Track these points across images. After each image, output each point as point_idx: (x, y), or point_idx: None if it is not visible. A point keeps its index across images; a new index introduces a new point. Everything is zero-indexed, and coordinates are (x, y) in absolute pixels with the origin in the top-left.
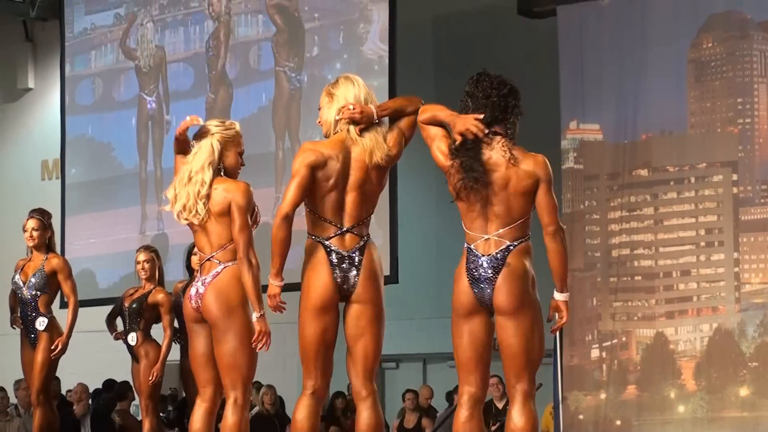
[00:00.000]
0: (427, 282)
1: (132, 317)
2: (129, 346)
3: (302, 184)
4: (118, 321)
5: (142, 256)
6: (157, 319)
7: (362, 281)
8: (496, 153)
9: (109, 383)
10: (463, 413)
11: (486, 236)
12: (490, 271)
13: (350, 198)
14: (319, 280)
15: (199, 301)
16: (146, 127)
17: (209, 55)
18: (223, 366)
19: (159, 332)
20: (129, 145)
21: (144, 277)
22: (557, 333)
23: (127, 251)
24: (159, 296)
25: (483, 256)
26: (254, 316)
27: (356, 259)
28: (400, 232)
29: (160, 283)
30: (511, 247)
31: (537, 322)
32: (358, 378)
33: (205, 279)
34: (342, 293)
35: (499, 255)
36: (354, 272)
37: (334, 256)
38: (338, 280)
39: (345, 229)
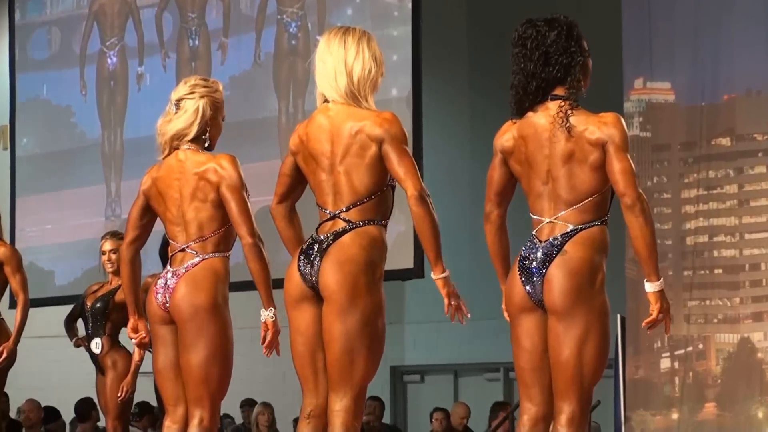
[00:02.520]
0: (459, 276)
1: (96, 319)
2: (92, 355)
3: None
4: (80, 324)
5: (108, 245)
6: (127, 322)
7: (323, 268)
8: (554, 121)
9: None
10: None
11: (547, 219)
12: (542, 261)
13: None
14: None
15: (168, 296)
16: (108, 89)
17: None
18: (190, 379)
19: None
20: (93, 110)
21: (110, 270)
22: (618, 339)
23: (90, 239)
24: None
25: (540, 243)
26: (264, 314)
27: (325, 244)
28: None
29: None
30: (573, 233)
31: (595, 329)
32: (329, 390)
33: (177, 270)
34: (310, 285)
35: (556, 241)
36: (318, 259)
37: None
38: (301, 268)
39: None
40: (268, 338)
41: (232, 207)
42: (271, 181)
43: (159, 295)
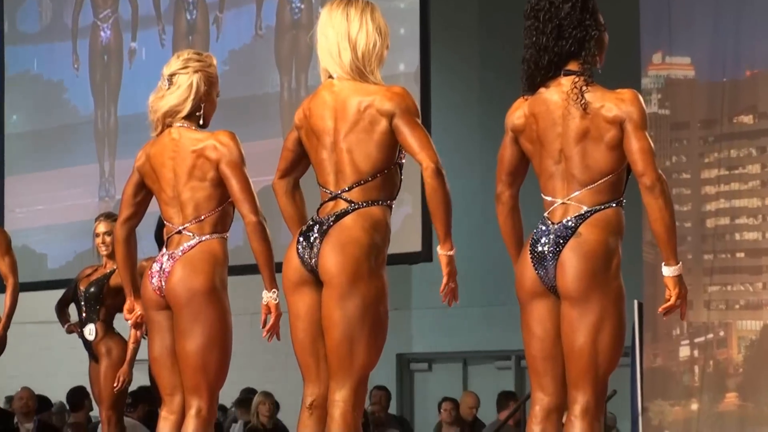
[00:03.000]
0: (469, 261)
1: (89, 304)
2: (86, 342)
3: None
4: (72, 310)
5: (102, 227)
6: (122, 307)
7: (323, 251)
8: (567, 98)
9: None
10: (534, 429)
11: (560, 201)
12: (555, 244)
13: None
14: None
15: (163, 281)
16: (101, 64)
17: None
18: (187, 367)
19: (125, 323)
20: (85, 86)
21: (105, 253)
22: (636, 326)
23: (83, 221)
24: None
25: (553, 224)
26: (266, 295)
27: (325, 225)
28: None
29: None
30: (588, 214)
31: (611, 315)
32: (329, 379)
33: (173, 253)
34: (309, 268)
35: (570, 223)
36: (318, 241)
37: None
38: (300, 250)
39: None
40: (270, 322)
41: (234, 185)
42: (272, 161)
43: (154, 280)
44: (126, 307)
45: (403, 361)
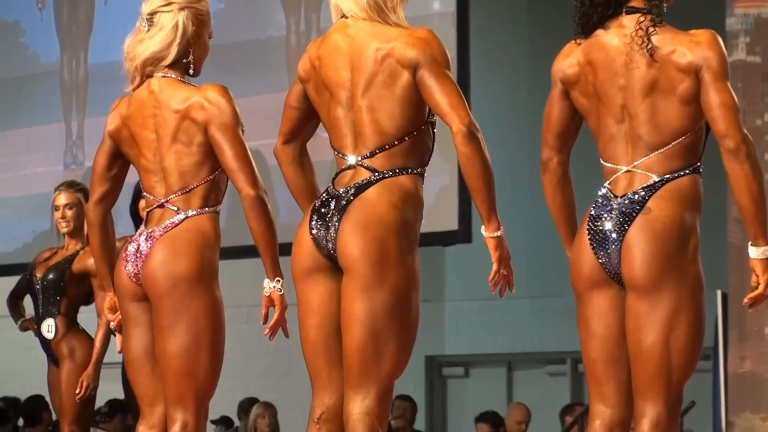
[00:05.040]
0: (516, 242)
1: (48, 295)
2: (44, 341)
3: None
4: (27, 302)
5: (62, 198)
6: (88, 299)
7: (342, 232)
8: (631, 42)
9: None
10: None
11: (624, 168)
12: (619, 222)
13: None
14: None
15: (140, 265)
16: (68, 0)
17: None
18: (169, 372)
19: (90, 318)
20: (49, 27)
21: (66, 230)
22: (719, 322)
23: (45, 193)
24: (90, 261)
25: (616, 198)
26: (268, 285)
27: (344, 200)
28: None
29: None
30: (659, 185)
31: (687, 309)
32: (345, 388)
33: (152, 232)
34: (325, 252)
35: (637, 196)
36: (335, 219)
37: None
38: (314, 230)
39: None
40: (274, 317)
41: (226, 152)
42: (276, 120)
43: (129, 264)
44: (107, 305)
45: (434, 364)
